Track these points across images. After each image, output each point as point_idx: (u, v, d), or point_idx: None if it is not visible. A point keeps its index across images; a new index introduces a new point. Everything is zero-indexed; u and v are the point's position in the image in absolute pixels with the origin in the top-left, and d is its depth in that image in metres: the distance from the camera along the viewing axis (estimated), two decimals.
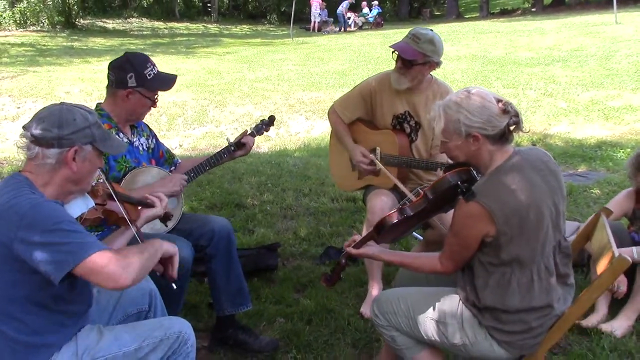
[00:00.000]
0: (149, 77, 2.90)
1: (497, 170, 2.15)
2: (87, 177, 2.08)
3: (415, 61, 3.35)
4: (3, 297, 1.92)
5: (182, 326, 2.18)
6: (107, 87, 2.96)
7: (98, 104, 3.02)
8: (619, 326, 3.15)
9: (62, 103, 2.07)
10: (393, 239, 2.52)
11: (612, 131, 7.44)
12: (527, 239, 2.12)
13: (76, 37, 22.51)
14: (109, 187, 2.27)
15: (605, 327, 3.15)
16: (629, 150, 6.48)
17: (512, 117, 2.15)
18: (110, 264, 1.85)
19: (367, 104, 3.61)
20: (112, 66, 2.94)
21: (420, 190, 2.36)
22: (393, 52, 3.44)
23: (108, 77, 2.94)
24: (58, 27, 24.95)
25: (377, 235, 2.40)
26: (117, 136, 2.85)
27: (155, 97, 2.99)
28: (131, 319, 2.37)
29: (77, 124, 1.99)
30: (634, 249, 3.10)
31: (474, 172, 2.25)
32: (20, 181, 1.96)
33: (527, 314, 2.18)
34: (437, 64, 3.40)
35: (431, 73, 3.49)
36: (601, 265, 2.27)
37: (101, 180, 2.29)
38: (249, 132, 3.33)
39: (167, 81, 3.01)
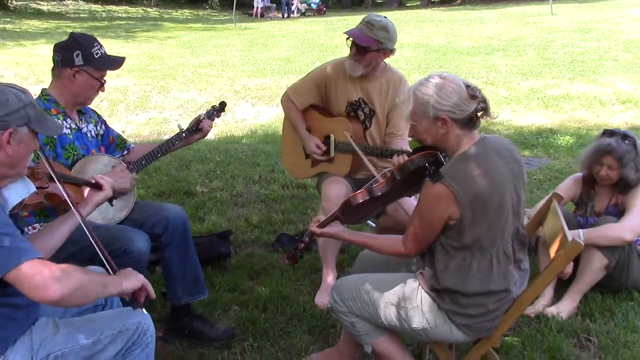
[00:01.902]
0: (96, 56, 2.81)
1: (464, 155, 2.20)
2: (22, 161, 1.97)
3: (369, 48, 3.36)
4: None
5: (140, 317, 2.11)
6: (53, 69, 2.86)
7: (43, 89, 2.91)
8: (565, 308, 3.26)
9: None
10: (356, 220, 2.54)
11: (551, 119, 7.68)
12: (489, 223, 2.16)
13: (9, 19, 21.55)
14: (49, 168, 2.14)
15: (552, 310, 3.26)
16: (568, 137, 6.71)
17: (479, 103, 2.20)
18: (40, 273, 1.74)
19: (321, 91, 3.60)
20: (57, 46, 2.85)
21: (387, 173, 2.38)
22: (347, 38, 3.44)
23: (53, 58, 2.83)
24: None
25: (342, 215, 2.42)
26: (53, 118, 2.71)
27: (103, 78, 2.90)
28: (87, 311, 2.28)
29: (10, 105, 1.87)
30: (580, 231, 3.21)
31: (441, 156, 2.28)
32: None
33: (486, 298, 2.24)
34: (391, 51, 3.43)
35: (385, 61, 3.51)
36: (554, 250, 2.34)
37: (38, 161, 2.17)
38: (201, 118, 3.28)
39: (114, 61, 2.93)
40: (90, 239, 2.13)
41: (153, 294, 2.10)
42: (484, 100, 2.21)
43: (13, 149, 1.89)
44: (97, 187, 2.39)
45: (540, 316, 3.23)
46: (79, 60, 2.78)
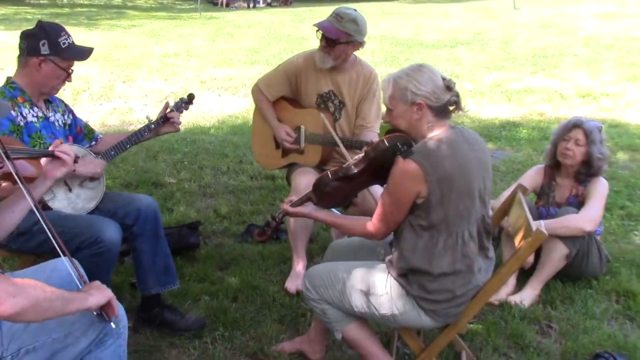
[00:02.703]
0: (63, 46, 2.78)
1: (434, 137, 2.29)
2: None
3: (339, 40, 3.40)
4: None
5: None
6: (19, 57, 2.82)
7: (9, 78, 2.87)
8: (527, 296, 3.37)
9: None
10: (328, 204, 2.58)
11: (514, 112, 7.84)
12: (456, 203, 2.25)
13: None
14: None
15: (514, 298, 3.36)
16: (530, 130, 6.87)
17: (453, 96, 2.31)
18: None
19: (292, 82, 3.63)
20: (24, 34, 2.81)
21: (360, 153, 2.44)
22: (317, 30, 3.47)
23: (19, 46, 2.80)
24: None
25: (314, 195, 2.48)
26: (3, 100, 2.59)
27: (70, 69, 2.87)
28: None
29: None
30: (542, 222, 3.30)
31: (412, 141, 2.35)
32: None
33: (452, 280, 2.31)
34: (361, 44, 3.47)
35: (355, 54, 3.55)
36: (519, 239, 2.42)
37: None
38: (170, 109, 3.26)
39: (82, 52, 2.89)
40: (41, 220, 2.02)
41: (117, 312, 1.98)
42: (457, 95, 2.33)
43: None
44: (56, 158, 2.29)
45: (504, 304, 3.32)
46: (45, 50, 2.75)
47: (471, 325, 3.08)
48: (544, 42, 13.11)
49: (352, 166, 2.40)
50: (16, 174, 2.03)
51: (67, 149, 2.35)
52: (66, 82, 2.92)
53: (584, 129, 3.43)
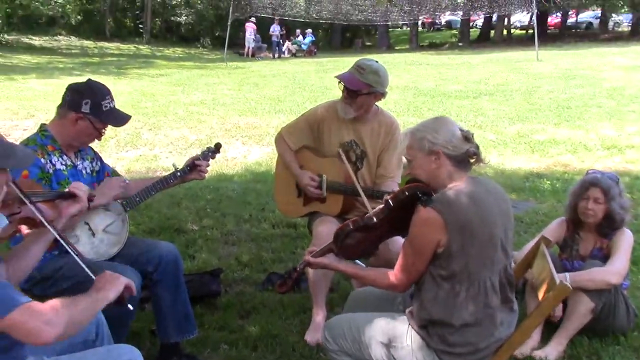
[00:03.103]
0: (103, 109, 2.85)
1: (454, 186, 2.29)
2: None
3: (360, 91, 3.44)
4: None
5: (132, 355, 2.12)
6: (59, 107, 2.90)
7: (42, 125, 2.95)
8: (552, 351, 3.28)
9: None
10: (349, 254, 2.57)
11: (538, 163, 7.80)
12: (478, 252, 2.23)
13: (1, 53, 21.70)
14: (17, 190, 2.07)
15: (539, 353, 3.28)
16: (554, 181, 6.82)
17: (472, 147, 2.32)
18: (31, 319, 1.74)
19: (314, 132, 3.67)
20: (70, 87, 2.90)
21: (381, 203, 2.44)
22: (339, 82, 3.52)
23: (63, 97, 2.88)
24: None
25: (335, 245, 2.48)
26: (23, 147, 2.60)
27: (103, 130, 2.94)
28: (78, 347, 2.27)
29: None
30: (567, 275, 3.25)
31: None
32: None
33: (473, 331, 2.26)
34: (383, 95, 3.51)
35: (377, 104, 3.59)
36: (543, 292, 2.38)
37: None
38: (197, 158, 3.32)
39: (120, 118, 2.96)
40: (68, 249, 2.14)
41: (134, 291, 2.13)
42: (477, 147, 2.34)
43: None
44: (71, 197, 2.34)
45: (527, 359, 3.24)
46: (85, 108, 2.82)
47: None
48: (568, 94, 13.12)
49: (373, 216, 2.41)
50: (38, 213, 2.10)
51: (81, 186, 2.40)
52: (96, 139, 2.98)
53: (602, 187, 3.38)
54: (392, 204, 2.38)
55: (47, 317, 1.77)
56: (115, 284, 2.05)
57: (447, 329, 2.27)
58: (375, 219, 2.40)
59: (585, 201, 3.44)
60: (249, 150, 8.70)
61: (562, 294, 2.24)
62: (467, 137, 2.32)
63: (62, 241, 2.15)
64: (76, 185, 2.40)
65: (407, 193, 2.34)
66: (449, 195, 2.26)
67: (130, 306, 2.13)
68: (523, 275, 2.97)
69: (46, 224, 2.13)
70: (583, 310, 3.29)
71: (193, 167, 3.25)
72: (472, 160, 2.35)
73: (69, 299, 1.90)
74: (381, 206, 2.42)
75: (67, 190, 2.36)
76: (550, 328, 3.41)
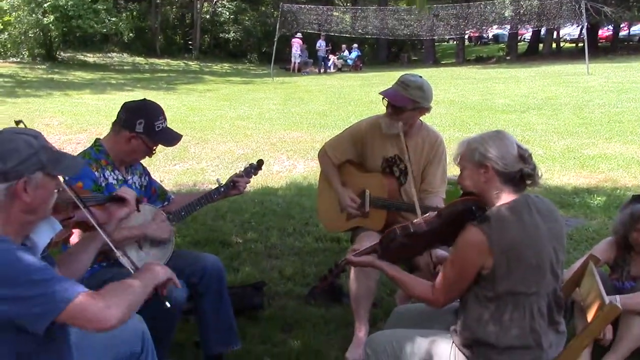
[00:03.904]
0: (156, 129, 2.94)
1: (503, 206, 2.23)
2: (43, 205, 1.93)
3: (405, 107, 3.42)
4: None
5: None
6: (114, 123, 2.99)
7: (97, 140, 3.04)
8: None
9: (1, 132, 1.92)
10: (392, 258, 2.53)
11: (588, 179, 7.61)
12: (524, 276, 2.17)
13: (56, 70, 22.47)
14: (73, 195, 2.12)
15: None
16: (604, 197, 6.64)
17: (527, 166, 2.24)
18: (91, 306, 1.78)
19: (358, 147, 3.67)
20: (126, 106, 2.99)
21: (431, 213, 2.41)
22: (383, 98, 3.51)
23: (118, 115, 2.98)
24: (38, 59, 24.87)
25: (380, 248, 2.44)
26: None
27: (155, 148, 3.02)
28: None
29: (20, 154, 1.83)
30: (617, 297, 3.15)
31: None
32: None
33: (519, 353, 2.22)
34: (427, 110, 3.49)
35: (421, 118, 3.58)
36: (591, 313, 2.31)
37: (61, 189, 2.10)
38: (240, 174, 3.38)
39: (171, 139, 3.05)
40: (116, 252, 2.20)
41: (178, 284, 2.16)
42: (534, 168, 2.26)
43: (31, 196, 1.85)
44: (120, 200, 2.40)
45: None
46: (139, 128, 2.91)
47: None
48: (620, 108, 12.79)
49: (423, 224, 2.37)
50: (90, 216, 2.18)
51: (129, 190, 2.47)
52: (147, 156, 3.06)
53: None
54: (445, 215, 2.34)
55: (107, 302, 1.81)
56: (164, 267, 2.11)
57: (491, 350, 2.23)
58: (425, 227, 2.36)
59: (636, 233, 3.33)
60: (293, 164, 8.76)
61: (611, 315, 2.18)
62: (522, 157, 2.24)
63: (110, 244, 2.21)
64: (124, 189, 2.47)
65: (461, 206, 2.30)
66: (496, 216, 2.20)
67: (167, 303, 2.12)
68: (571, 294, 2.89)
69: (97, 227, 2.20)
70: (636, 332, 3.17)
71: (234, 184, 3.30)
72: (527, 182, 2.28)
73: (121, 282, 1.94)
74: (432, 215, 2.39)
75: (115, 194, 2.43)
76: (599, 352, 3.30)
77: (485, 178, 2.25)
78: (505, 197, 2.25)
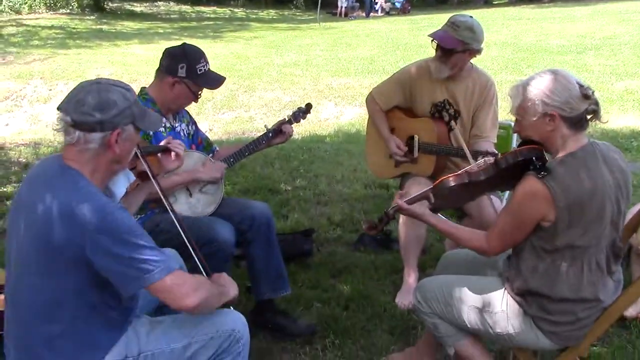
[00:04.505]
0: (199, 72, 2.93)
1: (569, 156, 2.13)
2: (128, 156, 2.03)
3: (455, 49, 3.32)
4: (55, 299, 1.88)
5: (235, 323, 2.11)
6: (157, 71, 3.00)
7: (142, 88, 3.06)
8: None
9: (98, 81, 1.96)
10: (444, 205, 2.46)
11: None
12: (585, 230, 2.10)
13: (105, 20, 22.61)
14: (136, 148, 2.17)
15: None
16: None
17: (591, 104, 2.12)
18: (184, 284, 1.89)
19: (406, 92, 3.59)
20: (167, 52, 2.99)
21: (487, 160, 2.33)
22: (432, 40, 3.41)
23: (160, 61, 2.98)
24: (87, 10, 25.03)
25: (433, 195, 2.37)
26: (152, 110, 2.71)
27: (200, 92, 3.02)
28: None
29: (118, 106, 1.90)
30: None
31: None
32: (73, 176, 1.89)
33: (574, 305, 2.18)
34: (478, 51, 3.37)
35: (471, 61, 3.46)
36: None
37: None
38: (287, 119, 3.36)
39: (215, 81, 3.03)
40: (165, 203, 2.28)
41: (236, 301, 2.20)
42: (596, 103, 2.13)
43: (120, 147, 1.93)
44: (169, 152, 2.45)
45: (631, 326, 3.09)
46: (182, 72, 2.91)
47: (594, 348, 2.89)
48: None
49: (480, 173, 2.29)
50: (147, 167, 2.26)
51: (178, 144, 2.49)
52: (193, 102, 3.07)
53: None
54: (503, 164, 2.24)
55: (196, 285, 1.92)
56: (234, 286, 2.16)
57: (545, 300, 2.19)
58: (482, 176, 2.28)
59: None
60: (341, 111, 8.71)
61: None
62: (586, 95, 2.10)
63: (160, 194, 2.27)
64: (174, 143, 2.49)
65: (522, 156, 2.19)
66: (561, 167, 2.09)
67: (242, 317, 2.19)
68: (628, 240, 2.81)
69: (152, 179, 2.27)
70: None
71: (281, 129, 3.28)
72: (589, 117, 2.15)
73: (209, 280, 2.05)
74: (489, 162, 2.29)
75: (165, 144, 2.47)
76: None
77: (552, 127, 2.12)
78: (571, 143, 2.14)
